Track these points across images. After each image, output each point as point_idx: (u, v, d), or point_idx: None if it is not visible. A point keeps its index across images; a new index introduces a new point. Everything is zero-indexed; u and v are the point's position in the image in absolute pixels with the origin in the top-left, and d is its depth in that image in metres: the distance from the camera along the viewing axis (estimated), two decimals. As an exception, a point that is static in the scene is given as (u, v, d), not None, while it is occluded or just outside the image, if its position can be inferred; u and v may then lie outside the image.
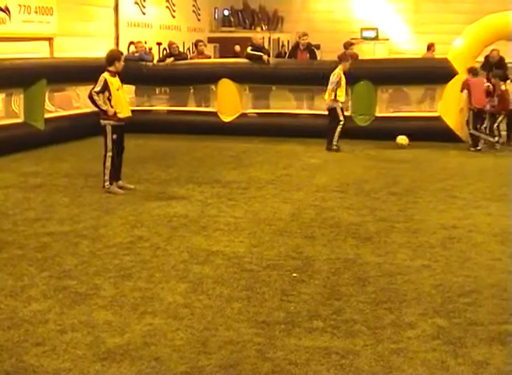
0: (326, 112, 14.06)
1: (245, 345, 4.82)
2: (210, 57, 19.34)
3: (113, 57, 9.77)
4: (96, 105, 9.64)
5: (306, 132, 14.53)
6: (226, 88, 15.85)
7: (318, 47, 20.60)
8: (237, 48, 21.42)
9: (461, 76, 14.64)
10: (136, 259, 6.76)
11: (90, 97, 9.61)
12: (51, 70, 14.32)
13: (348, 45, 16.25)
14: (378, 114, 15.36)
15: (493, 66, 14.78)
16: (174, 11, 23.93)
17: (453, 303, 5.65)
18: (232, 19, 28.13)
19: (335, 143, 13.73)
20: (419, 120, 15.18)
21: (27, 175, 10.96)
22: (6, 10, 15.04)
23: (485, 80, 14.15)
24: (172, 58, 16.74)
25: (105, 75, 9.57)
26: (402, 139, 14.01)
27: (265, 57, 15.84)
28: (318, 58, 17.48)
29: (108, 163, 9.72)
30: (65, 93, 16.60)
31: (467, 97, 13.84)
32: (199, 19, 26.25)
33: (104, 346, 4.80)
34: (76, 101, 16.38)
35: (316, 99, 15.72)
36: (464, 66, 14.56)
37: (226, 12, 28.17)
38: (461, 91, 13.94)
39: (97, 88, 9.52)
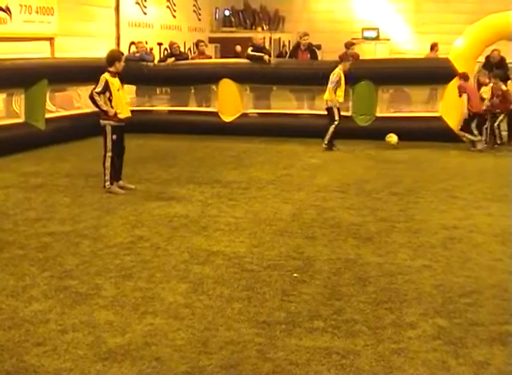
0: (326, 113, 14.05)
1: (246, 345, 4.83)
2: (211, 57, 19.34)
3: (113, 57, 9.77)
4: (97, 106, 9.65)
5: (307, 132, 14.52)
6: (227, 88, 15.86)
7: (319, 47, 20.60)
8: (238, 48, 21.41)
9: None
10: (137, 259, 6.77)
11: (91, 97, 9.62)
12: (51, 70, 14.33)
13: (349, 45, 16.26)
14: (378, 114, 15.36)
15: (494, 66, 14.78)
16: (175, 11, 23.92)
17: (454, 303, 5.65)
18: (233, 19, 28.11)
19: (325, 142, 13.74)
20: (420, 120, 15.17)
21: (28, 175, 10.97)
22: (7, 10, 15.03)
23: (487, 81, 14.15)
24: (172, 59, 16.75)
25: (106, 75, 9.57)
26: (390, 137, 13.96)
27: (266, 57, 15.83)
28: (319, 58, 17.47)
29: (108, 163, 9.72)
30: (66, 93, 16.61)
31: (467, 100, 13.86)
32: (200, 19, 26.24)
33: (105, 346, 4.80)
34: (77, 101, 16.39)
35: (317, 99, 15.71)
36: (465, 66, 14.57)
37: (227, 12, 28.16)
38: (460, 95, 13.91)
39: (99, 89, 9.52)
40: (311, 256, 6.89)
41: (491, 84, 14.01)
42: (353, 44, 16.58)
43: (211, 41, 25.79)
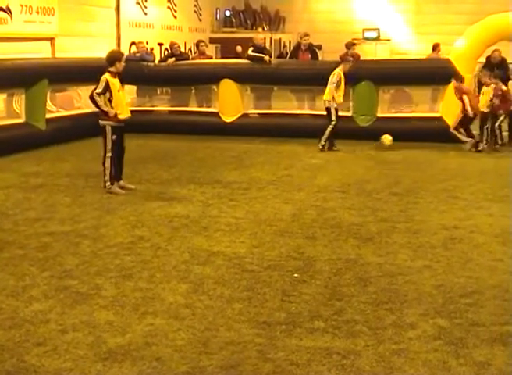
0: (326, 113, 14.05)
1: (246, 346, 4.82)
2: (211, 57, 19.34)
3: (114, 58, 9.76)
4: (97, 106, 9.65)
5: (307, 132, 14.51)
6: (228, 89, 15.86)
7: (319, 47, 20.56)
8: (239, 48, 21.40)
9: (463, 76, 14.65)
10: (137, 259, 6.76)
11: (92, 98, 9.61)
12: (52, 70, 14.33)
13: (350, 45, 16.26)
14: (379, 114, 15.36)
15: (495, 67, 14.77)
16: (175, 11, 23.92)
17: (455, 304, 5.65)
18: (233, 19, 28.11)
19: (322, 142, 13.74)
20: (420, 121, 15.17)
21: (28, 175, 10.97)
22: (8, 10, 15.04)
23: (489, 81, 14.13)
24: (173, 59, 16.77)
25: (107, 76, 9.57)
26: (385, 138, 13.93)
27: (267, 58, 15.84)
28: (320, 58, 17.46)
29: (108, 164, 9.72)
30: (67, 93, 16.61)
31: (468, 101, 13.86)
32: (200, 20, 26.24)
33: (105, 346, 4.80)
34: (78, 101, 16.39)
35: (317, 100, 15.68)
36: (465, 66, 14.58)
37: (228, 13, 28.15)
38: (460, 97, 13.88)
39: (99, 89, 9.51)
40: (311, 256, 6.89)
41: (493, 85, 13.99)
42: (353, 44, 16.58)
43: (212, 41, 25.79)
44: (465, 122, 14.05)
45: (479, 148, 13.79)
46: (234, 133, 15.29)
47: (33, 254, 6.88)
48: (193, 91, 17.30)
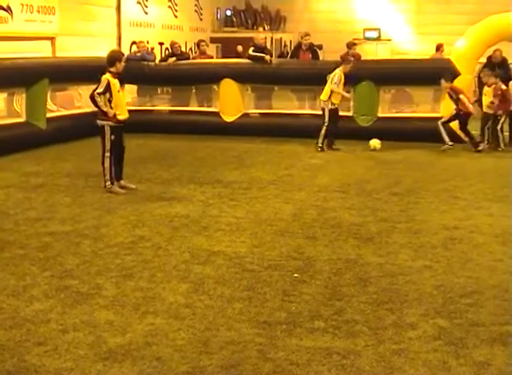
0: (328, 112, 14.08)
1: (246, 345, 4.83)
2: (212, 57, 19.36)
3: (114, 58, 9.75)
4: (97, 106, 9.63)
5: (308, 132, 14.49)
6: (228, 88, 15.87)
7: (320, 47, 20.57)
8: (239, 48, 21.41)
9: (464, 76, 14.65)
10: (138, 259, 6.77)
11: (92, 97, 9.59)
12: (53, 70, 14.34)
13: (351, 45, 16.27)
14: (380, 114, 15.37)
15: (496, 67, 14.76)
16: (176, 11, 23.93)
17: (455, 304, 5.65)
18: (234, 19, 28.12)
19: (320, 144, 13.76)
20: (421, 121, 15.17)
21: (29, 175, 10.97)
22: (8, 9, 15.04)
23: (491, 81, 14.11)
24: (174, 58, 16.77)
25: (108, 76, 9.55)
26: (375, 143, 13.92)
27: (267, 57, 15.85)
28: (321, 58, 17.47)
29: (107, 164, 9.71)
30: (67, 92, 16.62)
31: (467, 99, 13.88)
32: (201, 19, 26.25)
33: (105, 346, 4.80)
34: (78, 100, 16.39)
35: (318, 99, 15.68)
36: (466, 66, 14.58)
37: (228, 12, 28.17)
38: (457, 97, 13.87)
39: (100, 89, 9.50)
40: (311, 256, 6.90)
41: (493, 85, 13.99)
42: (354, 44, 16.59)
43: (213, 40, 25.80)
44: (462, 122, 14.04)
45: (479, 148, 13.78)
46: (235, 133, 15.29)
47: (34, 254, 6.89)
48: (194, 90, 17.30)
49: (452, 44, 15.74)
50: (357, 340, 4.94)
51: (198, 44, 18.56)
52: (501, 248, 7.22)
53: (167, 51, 20.50)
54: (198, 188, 10.05)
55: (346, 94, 14.04)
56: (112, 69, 9.63)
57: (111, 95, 9.56)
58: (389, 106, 16.20)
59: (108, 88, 9.50)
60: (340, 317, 5.35)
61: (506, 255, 6.96)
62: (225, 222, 8.20)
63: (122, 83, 10.02)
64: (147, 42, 19.86)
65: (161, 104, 17.78)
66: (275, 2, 28.71)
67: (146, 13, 21.81)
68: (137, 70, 15.97)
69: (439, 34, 23.41)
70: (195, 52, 21.33)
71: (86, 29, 18.36)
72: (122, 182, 9.88)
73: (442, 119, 14.10)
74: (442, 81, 13.97)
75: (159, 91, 18.56)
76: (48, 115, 14.30)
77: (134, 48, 18.92)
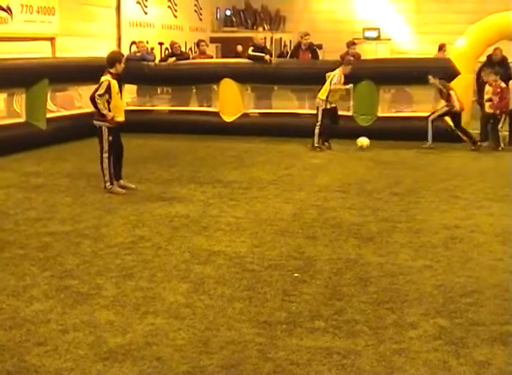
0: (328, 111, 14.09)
1: (246, 345, 4.82)
2: (212, 57, 19.35)
3: (114, 59, 9.73)
4: (96, 108, 9.59)
5: (308, 132, 14.46)
6: (228, 88, 15.87)
7: (320, 47, 20.58)
8: (239, 47, 21.41)
9: (464, 76, 14.67)
10: (138, 259, 6.77)
11: (93, 99, 9.55)
12: (52, 70, 14.34)
13: (350, 45, 16.24)
14: (380, 114, 15.37)
15: (496, 65, 14.76)
16: (176, 11, 23.91)
17: (455, 303, 5.65)
18: (234, 18, 28.10)
19: (315, 144, 13.78)
20: (421, 120, 15.15)
21: (29, 175, 10.97)
22: (8, 10, 15.03)
23: (491, 78, 14.09)
24: (173, 58, 16.77)
25: (108, 78, 9.53)
26: (363, 141, 13.90)
27: (267, 57, 15.85)
28: (320, 58, 17.47)
29: (106, 164, 9.69)
30: (67, 93, 16.62)
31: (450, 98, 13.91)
32: (201, 19, 26.22)
33: (106, 346, 4.80)
34: (78, 100, 16.39)
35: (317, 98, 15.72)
36: (466, 65, 14.59)
37: (228, 12, 28.15)
38: (448, 93, 13.88)
39: (101, 91, 9.47)
40: (311, 256, 6.89)
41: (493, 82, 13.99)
42: (354, 43, 16.56)
43: (212, 40, 25.78)
44: (455, 119, 14.04)
45: (477, 146, 13.77)
46: (235, 133, 15.29)
47: (34, 254, 6.89)
48: (194, 90, 17.30)
49: (452, 44, 15.73)
50: (358, 340, 4.94)
51: (198, 44, 18.56)
52: (501, 248, 7.22)
53: (167, 51, 20.47)
54: (198, 188, 10.05)
55: (346, 86, 14.02)
56: (112, 70, 9.62)
57: (110, 97, 9.54)
58: (388, 106, 16.20)
59: (108, 90, 9.49)
60: (341, 317, 5.35)
61: (507, 255, 6.96)
62: (226, 222, 8.20)
63: (121, 84, 10.00)
64: (147, 42, 19.86)
65: (161, 104, 17.79)
66: (275, 2, 28.68)
67: (145, 13, 21.79)
68: (137, 70, 15.99)
69: (438, 34, 23.38)
70: (195, 52, 21.33)
71: (86, 29, 18.34)
72: (121, 182, 9.88)
73: (432, 116, 14.08)
74: (430, 77, 13.97)
75: (159, 91, 18.57)
76: (48, 115, 14.31)
77: (134, 48, 18.92)
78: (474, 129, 14.87)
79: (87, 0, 18.67)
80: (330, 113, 13.91)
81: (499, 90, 13.91)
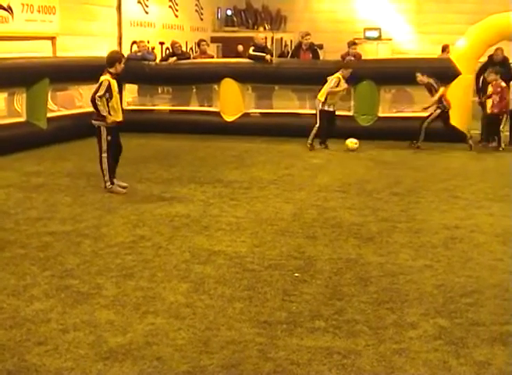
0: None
1: (247, 345, 4.83)
2: (213, 57, 19.35)
3: (114, 58, 9.73)
4: (96, 109, 9.57)
5: (308, 132, 14.47)
6: (229, 88, 15.87)
7: (320, 47, 20.58)
8: (240, 47, 21.42)
9: (464, 76, 14.66)
10: (138, 259, 6.77)
11: (93, 101, 9.54)
12: (53, 69, 14.34)
13: (351, 44, 16.23)
14: (380, 114, 15.37)
15: (497, 66, 14.75)
16: (177, 10, 23.92)
17: (455, 303, 5.65)
18: (235, 18, 28.12)
19: (309, 142, 13.84)
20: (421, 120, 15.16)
21: (29, 174, 10.97)
22: (9, 9, 15.04)
23: (497, 78, 14.08)
24: (174, 58, 16.77)
25: (108, 78, 9.52)
26: (352, 143, 13.87)
27: (268, 57, 15.85)
28: (321, 58, 17.46)
29: (105, 164, 9.68)
30: (68, 92, 16.62)
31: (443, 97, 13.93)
32: (202, 19, 26.23)
33: (106, 345, 4.80)
34: (79, 100, 16.39)
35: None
36: (467, 66, 14.58)
37: (229, 12, 28.17)
38: (437, 90, 13.89)
39: (101, 92, 9.45)
40: (312, 256, 6.90)
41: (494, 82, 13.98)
42: (355, 43, 16.55)
43: (213, 40, 25.80)
44: (444, 119, 14.03)
45: (470, 143, 13.81)
46: (235, 133, 15.29)
47: (34, 253, 6.89)
48: (195, 90, 17.30)
49: (452, 44, 15.72)
50: (358, 339, 4.94)
51: (199, 44, 18.55)
52: (501, 248, 7.22)
53: (168, 51, 20.49)
54: (199, 188, 10.05)
55: (342, 88, 13.99)
56: (112, 70, 9.61)
57: (110, 96, 9.53)
58: (389, 106, 16.19)
59: (108, 89, 9.48)
60: (341, 317, 5.35)
61: (507, 255, 6.96)
62: (226, 221, 8.20)
63: (120, 84, 9.99)
64: (148, 42, 19.84)
65: (162, 103, 17.77)
66: (276, 2, 28.70)
67: (146, 13, 21.81)
68: (138, 70, 16.00)
69: (439, 34, 23.41)
70: (196, 52, 21.33)
71: (86, 29, 18.35)
72: (114, 180, 9.86)
73: (427, 121, 14.01)
74: (418, 74, 13.96)
75: (160, 91, 18.55)
76: (49, 114, 14.31)
77: (135, 47, 18.92)
78: (475, 129, 14.88)
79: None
80: (327, 115, 13.94)
81: (499, 89, 13.91)
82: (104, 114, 9.50)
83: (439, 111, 13.97)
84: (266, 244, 7.31)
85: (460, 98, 14.52)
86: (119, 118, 9.73)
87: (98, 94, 9.47)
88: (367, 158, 13.02)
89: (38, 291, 5.86)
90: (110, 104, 9.55)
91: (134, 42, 19.44)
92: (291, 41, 27.61)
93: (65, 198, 9.38)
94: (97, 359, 4.60)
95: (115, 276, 6.26)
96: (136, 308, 5.51)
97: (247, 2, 28.90)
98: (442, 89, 13.87)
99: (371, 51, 24.69)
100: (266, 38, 22.14)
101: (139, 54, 17.11)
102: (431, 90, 14.00)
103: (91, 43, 18.15)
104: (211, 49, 22.82)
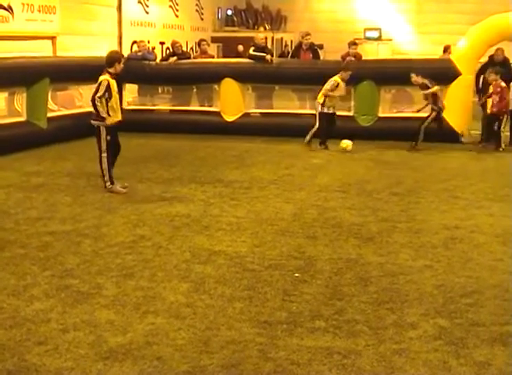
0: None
1: (247, 345, 4.83)
2: (213, 56, 19.35)
3: (113, 58, 9.72)
4: (96, 110, 9.57)
5: (308, 132, 14.50)
6: (229, 88, 15.87)
7: (321, 47, 20.57)
8: (240, 47, 21.41)
9: (465, 76, 14.66)
10: (139, 259, 6.77)
11: (93, 102, 9.54)
12: (53, 69, 14.34)
13: (351, 45, 16.23)
14: (381, 114, 15.37)
15: (497, 66, 14.74)
16: (177, 10, 23.91)
17: (455, 303, 5.65)
18: (235, 18, 28.12)
19: (307, 139, 13.94)
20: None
21: (29, 174, 10.97)
22: (9, 9, 15.04)
23: (496, 78, 14.08)
24: (175, 58, 16.76)
25: (107, 78, 9.52)
26: (345, 144, 13.87)
27: (268, 57, 15.85)
28: (321, 58, 17.46)
29: (105, 164, 9.68)
30: (68, 92, 16.61)
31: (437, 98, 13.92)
32: (202, 19, 26.22)
33: (106, 345, 4.80)
34: (79, 100, 16.39)
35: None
36: (467, 66, 14.58)
37: (229, 12, 28.17)
38: (434, 90, 13.91)
39: (100, 93, 9.45)
40: (312, 256, 6.90)
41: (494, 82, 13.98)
42: (355, 43, 16.54)
43: (214, 40, 25.79)
44: (437, 120, 14.03)
45: (463, 140, 13.85)
46: (235, 133, 15.30)
47: (35, 253, 6.89)
48: (195, 90, 17.30)
49: (453, 44, 15.71)
50: (358, 339, 4.94)
51: (199, 44, 18.55)
52: (501, 248, 7.22)
53: (168, 51, 20.48)
54: (199, 188, 10.05)
55: (340, 91, 14.00)
56: (111, 70, 9.61)
57: (109, 96, 9.53)
58: (389, 106, 16.19)
59: (108, 89, 9.48)
60: (341, 317, 5.35)
61: (507, 255, 6.96)
62: (226, 221, 8.20)
63: (119, 84, 9.98)
64: (148, 42, 19.84)
65: (162, 103, 17.77)
66: (276, 2, 28.69)
67: (147, 13, 21.80)
68: (138, 70, 16.01)
69: (439, 34, 23.41)
70: (196, 52, 21.32)
71: (87, 28, 18.34)
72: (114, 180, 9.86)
73: (425, 124, 13.99)
74: (412, 75, 13.95)
75: (160, 91, 18.55)
76: (49, 114, 14.31)
77: (135, 47, 18.91)
78: (475, 129, 14.89)
79: (88, -1, 18.71)
80: (327, 117, 13.96)
81: (498, 89, 13.92)
82: (104, 115, 9.50)
83: (434, 113, 13.97)
84: (266, 244, 7.31)
85: (460, 99, 14.54)
86: (118, 118, 9.73)
87: (98, 94, 9.47)
88: (367, 158, 13.02)
89: (38, 290, 5.86)
90: (109, 104, 9.55)
91: (134, 42, 19.43)
92: (291, 41, 27.60)
93: (65, 197, 9.38)
94: (97, 359, 4.60)
95: (116, 275, 6.26)
96: (136, 307, 5.51)
97: (248, 2, 28.90)
98: (436, 87, 13.85)
99: (371, 52, 24.69)
100: (266, 38, 22.12)
101: (139, 54, 17.11)
102: (424, 90, 14.00)
103: (92, 43, 18.14)
104: (212, 49, 22.81)
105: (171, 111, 16.97)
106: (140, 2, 21.39)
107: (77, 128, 14.46)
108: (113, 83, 9.58)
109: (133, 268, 6.48)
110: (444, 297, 5.80)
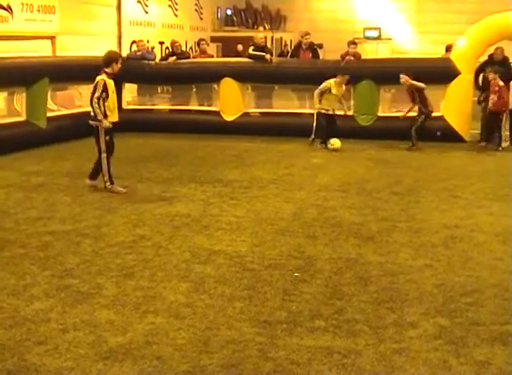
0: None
1: (247, 345, 4.83)
2: (212, 56, 19.35)
3: (111, 58, 9.71)
4: (94, 111, 9.55)
5: (308, 131, 14.50)
6: (229, 87, 15.86)
7: (320, 46, 20.56)
8: (240, 47, 21.42)
9: (464, 76, 14.65)
10: (139, 258, 6.77)
11: (92, 102, 9.52)
12: (53, 69, 14.33)
13: (351, 44, 16.22)
14: (380, 114, 15.37)
15: (497, 65, 14.74)
16: (177, 10, 23.92)
17: (455, 303, 5.65)
18: (234, 18, 28.13)
19: (312, 137, 14.07)
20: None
21: (29, 174, 10.97)
22: (9, 8, 15.04)
23: (495, 77, 14.07)
24: (174, 57, 16.76)
25: (104, 78, 9.50)
26: (333, 142, 13.87)
27: (268, 56, 15.85)
28: (321, 57, 17.46)
29: (105, 164, 9.68)
30: (68, 92, 16.61)
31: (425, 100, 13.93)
32: (201, 18, 26.23)
33: (106, 345, 4.80)
34: (79, 99, 16.38)
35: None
36: (466, 66, 14.58)
37: (229, 12, 28.19)
38: (421, 92, 13.92)
39: (98, 93, 9.43)
40: (312, 255, 6.89)
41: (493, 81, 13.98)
42: (354, 43, 16.54)
43: (213, 40, 25.79)
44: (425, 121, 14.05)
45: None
46: (235, 132, 15.30)
47: (34, 253, 6.89)
48: (194, 89, 17.30)
49: (454, 43, 15.69)
50: (358, 339, 4.94)
51: (198, 43, 18.56)
52: (502, 247, 7.22)
53: (167, 50, 20.49)
54: (199, 187, 10.05)
55: (335, 94, 14.03)
56: (108, 70, 9.59)
57: (106, 96, 9.52)
58: (389, 105, 16.19)
59: (105, 89, 9.46)
60: (341, 316, 5.35)
61: (507, 254, 6.96)
62: (226, 221, 8.20)
63: (117, 84, 9.97)
64: (148, 41, 19.85)
65: (162, 103, 17.77)
66: (276, 1, 28.69)
67: (146, 12, 21.81)
68: (138, 69, 15.99)
69: (439, 33, 23.40)
70: (195, 51, 21.33)
71: (86, 28, 18.34)
72: (87, 181, 9.86)
73: (414, 127, 13.94)
74: (402, 76, 13.91)
75: (159, 90, 18.56)
76: (49, 114, 14.30)
77: (134, 47, 18.92)
78: (475, 129, 14.89)
79: (88, -1, 18.71)
80: (326, 117, 13.99)
81: (497, 88, 13.92)
82: (100, 118, 9.49)
83: (423, 117, 13.93)
84: (266, 243, 7.31)
85: (460, 98, 14.52)
86: (115, 119, 9.72)
87: (96, 95, 9.45)
88: (366, 157, 13.02)
89: (38, 290, 5.86)
90: (106, 104, 9.53)
91: (134, 42, 19.44)
92: (291, 41, 27.60)
93: (65, 197, 9.37)
94: (97, 359, 4.60)
95: (116, 275, 6.26)
96: (136, 307, 5.50)
97: (247, 2, 28.90)
98: (422, 84, 13.80)
99: (370, 51, 24.70)
100: (266, 38, 22.12)
101: (138, 53, 17.11)
102: (413, 92, 13.97)
103: (91, 42, 18.13)
104: (211, 49, 22.82)
105: (170, 110, 16.97)
106: (139, 2, 21.41)
107: (77, 128, 14.41)
108: (110, 83, 9.56)
109: (133, 268, 6.48)
110: (444, 296, 5.80)
